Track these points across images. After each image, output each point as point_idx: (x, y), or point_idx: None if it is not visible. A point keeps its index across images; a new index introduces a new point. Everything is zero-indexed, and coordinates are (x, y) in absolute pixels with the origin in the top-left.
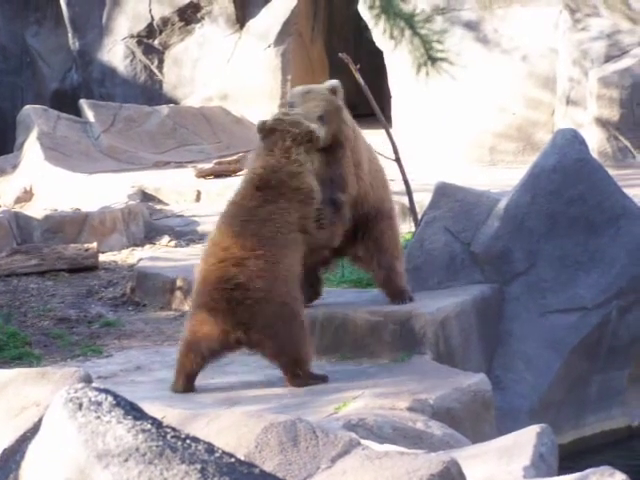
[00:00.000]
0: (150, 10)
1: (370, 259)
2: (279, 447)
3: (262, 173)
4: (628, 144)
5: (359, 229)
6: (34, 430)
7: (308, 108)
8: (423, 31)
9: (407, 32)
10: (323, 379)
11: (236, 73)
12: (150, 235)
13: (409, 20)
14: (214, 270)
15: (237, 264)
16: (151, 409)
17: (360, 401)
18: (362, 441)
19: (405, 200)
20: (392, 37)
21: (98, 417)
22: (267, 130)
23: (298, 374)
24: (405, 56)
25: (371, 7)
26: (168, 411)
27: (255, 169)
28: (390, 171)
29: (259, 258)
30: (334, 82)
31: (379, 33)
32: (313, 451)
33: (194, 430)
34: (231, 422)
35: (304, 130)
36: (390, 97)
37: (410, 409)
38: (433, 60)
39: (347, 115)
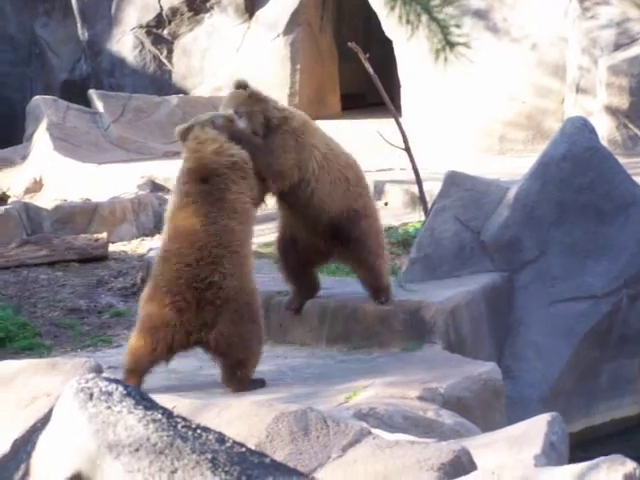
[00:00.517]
0: (159, 0)
1: (353, 259)
2: (290, 436)
3: (197, 166)
4: (638, 132)
5: (340, 229)
6: (45, 420)
7: (222, 110)
8: (441, 16)
9: (424, 17)
10: (261, 384)
11: (245, 63)
12: (160, 225)
13: (426, 5)
14: (188, 270)
15: (212, 262)
16: (161, 399)
17: (371, 390)
18: (373, 430)
19: (415, 189)
20: (408, 22)
21: (109, 407)
22: (185, 131)
23: (237, 377)
24: (416, 45)
25: None
26: (179, 401)
27: (189, 167)
28: (400, 160)
29: (232, 254)
30: (239, 78)
31: (390, 21)
32: (324, 440)
33: (205, 420)
34: (242, 412)
35: (215, 117)
36: (400, 86)
37: (421, 398)
38: (452, 45)
39: (276, 105)
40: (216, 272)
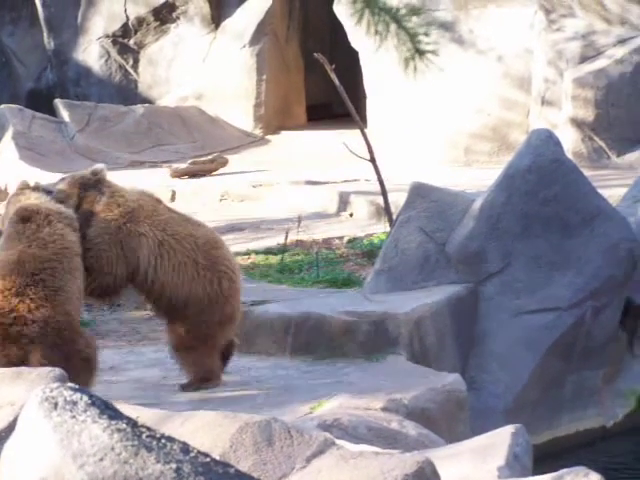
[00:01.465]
0: (125, 10)
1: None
2: (254, 447)
3: (19, 208)
4: (603, 145)
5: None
6: (9, 429)
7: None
8: (409, 24)
9: (392, 26)
10: None
11: (211, 73)
12: None
13: (394, 14)
14: None
15: (17, 294)
16: (126, 409)
17: (335, 401)
18: (337, 441)
19: (380, 200)
20: (377, 32)
21: (73, 416)
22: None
23: None
24: (383, 55)
25: (354, 1)
26: (143, 411)
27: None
28: (365, 171)
29: (38, 285)
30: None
31: (357, 32)
32: (288, 451)
33: (169, 430)
34: (206, 422)
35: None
36: (365, 97)
37: (385, 409)
38: (421, 53)
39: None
40: (22, 303)
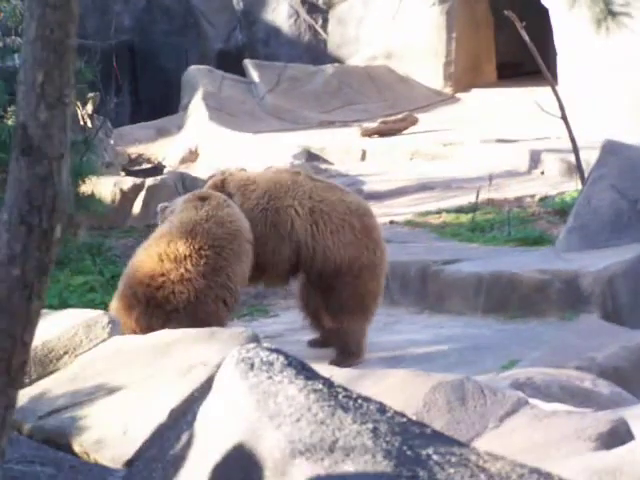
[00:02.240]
0: None
1: (327, 313)
2: (447, 406)
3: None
4: None
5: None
6: (202, 390)
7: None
8: None
9: None
10: None
11: (401, 31)
12: None
13: None
14: None
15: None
16: (319, 369)
17: (527, 360)
18: (530, 400)
19: (571, 158)
20: None
21: (270, 377)
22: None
23: None
24: (574, 13)
25: None
26: (335, 370)
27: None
28: (556, 129)
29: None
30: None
31: None
32: (481, 410)
33: (362, 389)
34: (399, 381)
35: None
36: (555, 55)
37: (577, 368)
38: (613, 15)
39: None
40: (176, 271)
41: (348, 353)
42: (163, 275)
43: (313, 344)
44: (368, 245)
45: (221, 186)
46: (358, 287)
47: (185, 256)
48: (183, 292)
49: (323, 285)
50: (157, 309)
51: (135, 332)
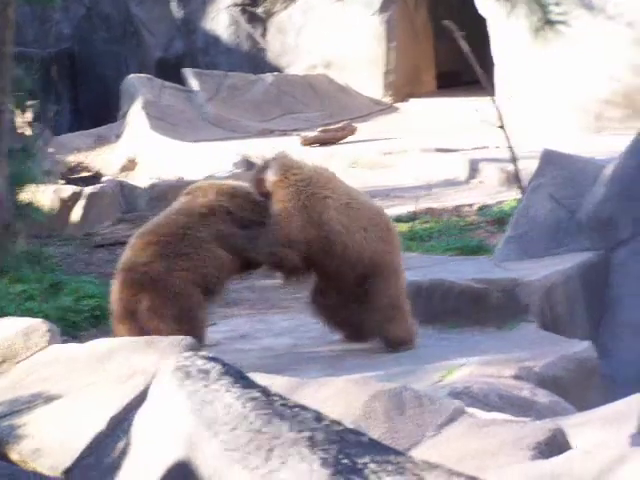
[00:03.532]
0: None
1: (365, 311)
2: (385, 415)
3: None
4: None
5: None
6: (141, 398)
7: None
8: None
9: None
10: None
11: (340, 41)
12: None
13: None
14: None
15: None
16: (257, 377)
17: (466, 369)
18: (468, 409)
19: (510, 167)
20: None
21: (206, 385)
22: None
23: None
24: (512, 23)
25: None
26: (275, 379)
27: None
28: (495, 138)
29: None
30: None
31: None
32: (419, 419)
33: (300, 398)
34: (338, 389)
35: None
36: (493, 65)
37: (516, 377)
38: (551, 23)
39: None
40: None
41: (401, 343)
42: (132, 260)
43: (348, 339)
44: (393, 245)
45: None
46: (391, 289)
47: (151, 242)
48: (147, 271)
49: (357, 292)
50: (129, 290)
51: (125, 321)
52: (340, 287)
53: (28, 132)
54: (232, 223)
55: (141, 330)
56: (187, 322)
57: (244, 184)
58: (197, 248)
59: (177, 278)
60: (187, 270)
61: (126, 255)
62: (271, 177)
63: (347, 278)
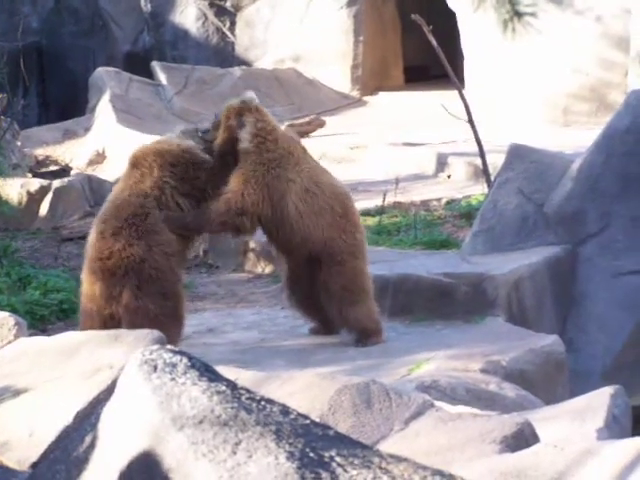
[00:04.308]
0: None
1: (331, 309)
2: (352, 409)
3: None
4: None
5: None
6: (108, 392)
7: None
8: None
9: None
10: None
11: (308, 35)
12: None
13: None
14: None
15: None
16: (224, 371)
17: (433, 363)
18: (435, 403)
19: (478, 161)
20: None
21: (173, 379)
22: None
23: None
24: (481, 16)
25: None
26: (241, 373)
27: None
28: (463, 132)
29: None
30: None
31: None
32: (386, 413)
33: (267, 392)
34: (304, 384)
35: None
36: (462, 58)
37: (483, 371)
38: (519, 15)
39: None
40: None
41: (368, 334)
42: (109, 248)
43: (315, 332)
44: (346, 228)
45: (237, 116)
46: (347, 273)
47: (119, 227)
48: (129, 256)
49: (315, 276)
50: (112, 278)
51: (99, 305)
52: (306, 278)
53: None
54: (180, 197)
55: (125, 315)
56: (172, 297)
57: (188, 144)
58: (162, 225)
59: (157, 254)
60: (163, 244)
61: (98, 244)
62: (244, 143)
63: (300, 258)
